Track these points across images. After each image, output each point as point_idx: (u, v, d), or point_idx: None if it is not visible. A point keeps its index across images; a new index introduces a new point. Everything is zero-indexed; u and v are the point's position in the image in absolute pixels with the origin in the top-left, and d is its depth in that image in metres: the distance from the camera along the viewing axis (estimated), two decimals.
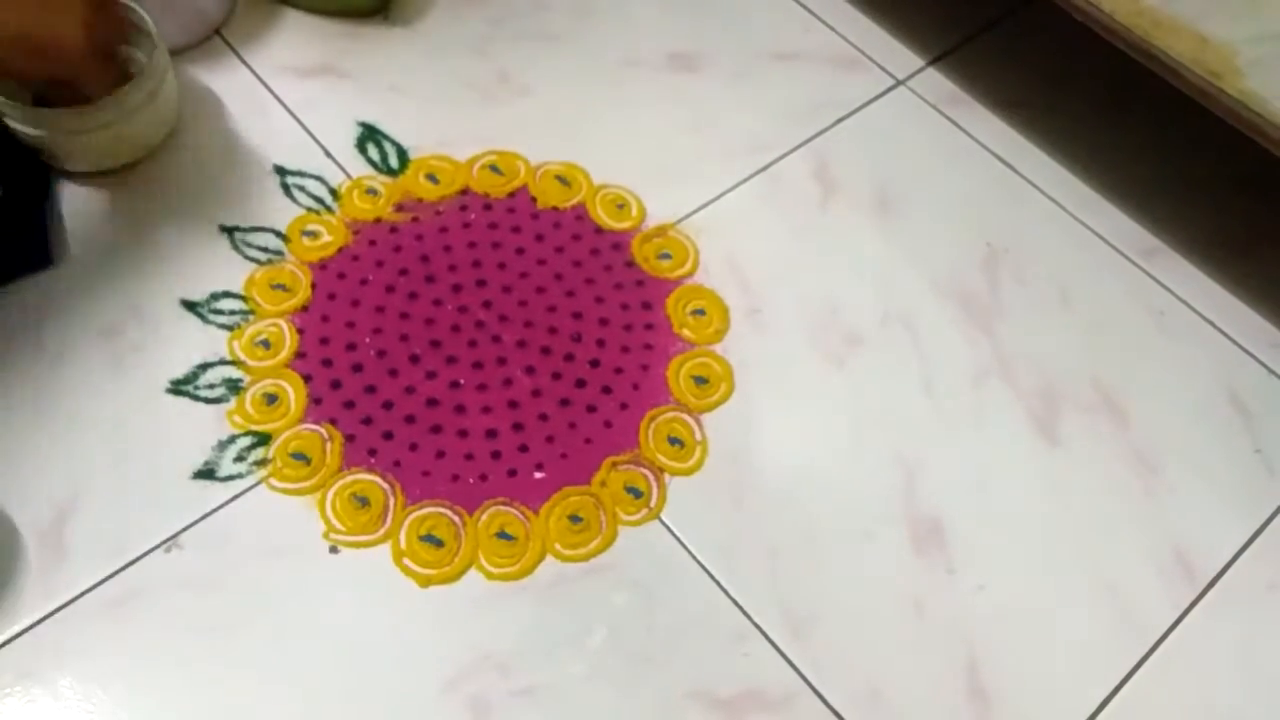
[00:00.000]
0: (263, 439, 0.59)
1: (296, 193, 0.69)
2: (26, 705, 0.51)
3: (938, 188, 0.76)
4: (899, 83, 0.81)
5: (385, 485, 0.59)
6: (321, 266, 0.66)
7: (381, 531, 0.57)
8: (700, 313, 0.68)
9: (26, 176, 0.65)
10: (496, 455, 0.61)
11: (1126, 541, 0.62)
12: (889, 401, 0.66)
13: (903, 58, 0.83)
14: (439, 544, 0.57)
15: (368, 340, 0.64)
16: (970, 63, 0.83)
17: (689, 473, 0.62)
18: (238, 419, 0.60)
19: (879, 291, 0.70)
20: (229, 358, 0.62)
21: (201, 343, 0.62)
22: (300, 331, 0.63)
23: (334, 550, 0.57)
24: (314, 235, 0.67)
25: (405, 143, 0.72)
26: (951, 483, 0.63)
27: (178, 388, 0.60)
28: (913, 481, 0.63)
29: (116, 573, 0.54)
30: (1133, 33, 0.62)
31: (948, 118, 0.80)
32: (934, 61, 0.83)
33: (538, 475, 0.60)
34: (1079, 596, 0.60)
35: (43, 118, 0.63)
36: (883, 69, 0.82)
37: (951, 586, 0.60)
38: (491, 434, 0.61)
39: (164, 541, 0.56)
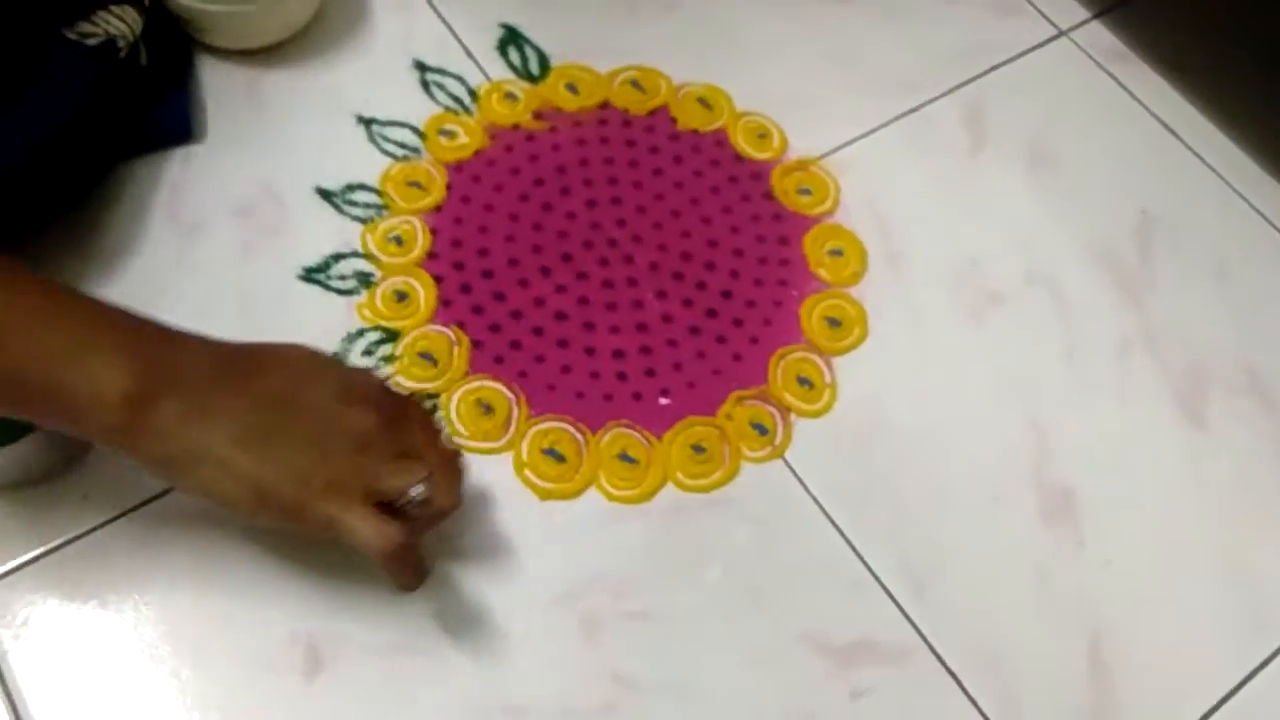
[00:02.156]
0: (391, 335, 0.59)
1: (435, 90, 0.68)
2: (140, 578, 0.51)
3: (1093, 147, 0.72)
4: (1061, 33, 0.77)
5: (510, 395, 0.58)
6: (457, 168, 0.65)
7: (504, 440, 0.57)
8: (838, 253, 0.66)
9: (171, 48, 0.64)
10: (622, 377, 0.59)
11: (1265, 535, 0.60)
12: (1027, 364, 0.63)
13: (1067, 7, 0.78)
14: (561, 459, 0.56)
15: (499, 247, 0.63)
16: (1139, 18, 0.79)
17: (816, 414, 0.60)
18: (367, 313, 0.59)
19: (1024, 249, 0.67)
20: (361, 250, 0.61)
21: (335, 233, 0.61)
22: (433, 232, 0.62)
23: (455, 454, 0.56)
24: (451, 135, 0.66)
25: (547, 49, 0.70)
26: (1087, 454, 0.60)
27: (310, 275, 0.60)
28: (1046, 449, 0.60)
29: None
30: None
31: (1110, 74, 0.76)
32: (1101, 14, 0.78)
33: (663, 401, 0.59)
34: (1210, 585, 0.58)
35: None
36: (1045, 17, 0.78)
37: (1079, 559, 0.57)
38: (618, 355, 0.60)
39: None
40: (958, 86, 0.73)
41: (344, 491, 0.44)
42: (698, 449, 0.58)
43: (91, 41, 0.57)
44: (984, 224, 0.68)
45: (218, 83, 0.65)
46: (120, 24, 0.59)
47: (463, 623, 0.52)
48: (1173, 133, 0.74)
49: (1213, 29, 0.79)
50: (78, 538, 0.51)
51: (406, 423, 0.48)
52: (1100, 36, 0.77)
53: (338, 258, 0.60)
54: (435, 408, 0.56)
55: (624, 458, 0.57)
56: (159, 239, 0.60)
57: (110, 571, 0.50)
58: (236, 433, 0.43)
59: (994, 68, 0.75)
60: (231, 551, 0.51)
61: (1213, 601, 0.57)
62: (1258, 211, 0.71)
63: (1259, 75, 0.77)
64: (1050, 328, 0.65)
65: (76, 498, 0.52)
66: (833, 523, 0.57)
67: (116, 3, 0.59)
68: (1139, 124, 0.74)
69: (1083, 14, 0.78)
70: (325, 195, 0.63)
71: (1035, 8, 0.78)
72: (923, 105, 0.72)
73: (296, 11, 0.66)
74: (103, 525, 0.51)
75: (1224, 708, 0.55)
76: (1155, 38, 0.77)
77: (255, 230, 0.61)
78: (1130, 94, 0.75)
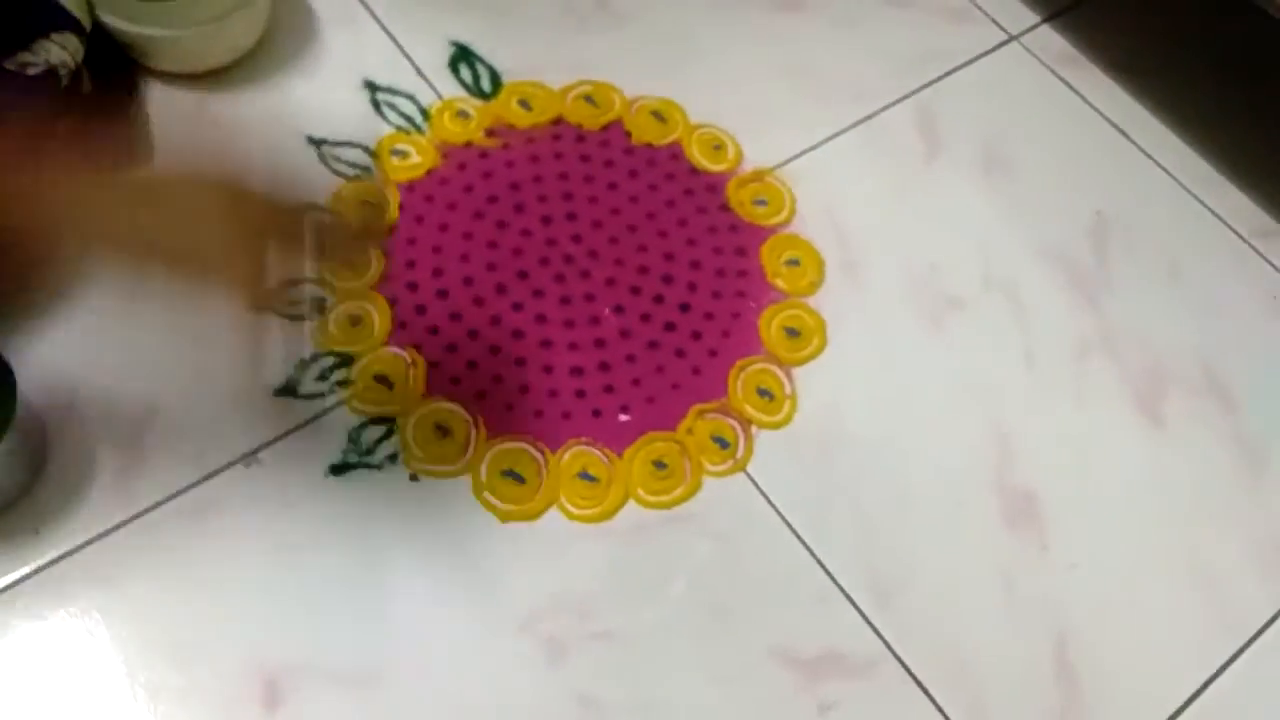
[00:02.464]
0: (346, 360, 0.58)
1: (386, 110, 0.67)
2: (97, 612, 0.50)
3: (1046, 150, 0.73)
4: (1012, 38, 0.78)
5: (468, 416, 0.57)
6: (409, 188, 0.64)
7: (463, 463, 0.56)
8: (795, 263, 0.65)
9: (116, 74, 0.64)
10: (581, 394, 0.59)
11: (1227, 531, 0.60)
12: (986, 368, 0.63)
13: (1017, 12, 0.79)
14: (520, 480, 0.56)
15: (454, 266, 0.62)
16: (1087, 21, 0.79)
17: (777, 426, 0.60)
18: (321, 338, 0.58)
19: (981, 253, 0.68)
20: (314, 276, 0.60)
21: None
22: (386, 254, 0.62)
23: (414, 478, 0.55)
24: (403, 155, 0.65)
25: (499, 66, 0.70)
26: (1048, 457, 0.61)
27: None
28: (1008, 453, 0.60)
29: (194, 485, 0.53)
30: None
31: (1060, 78, 0.76)
32: (1050, 18, 0.79)
33: (623, 418, 0.59)
34: (1174, 584, 0.58)
35: (136, 10, 0.61)
36: (995, 22, 0.78)
37: (1043, 563, 0.57)
38: (577, 372, 0.60)
39: (243, 456, 0.54)
40: (910, 93, 0.74)
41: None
42: (659, 465, 0.57)
43: (32, 71, 0.56)
44: (940, 230, 0.68)
45: (164, 107, 0.65)
46: (61, 52, 0.58)
47: (425, 651, 0.51)
48: (1124, 134, 0.74)
49: (1162, 31, 0.80)
50: (34, 573, 0.50)
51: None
52: (1050, 40, 0.78)
53: (291, 283, 0.60)
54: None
55: (584, 476, 0.56)
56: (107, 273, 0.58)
57: (67, 606, 0.50)
58: None
59: (946, 74, 0.75)
60: (190, 583, 0.51)
61: (1176, 601, 0.58)
62: (1210, 210, 0.72)
63: (1209, 76, 0.78)
64: (1009, 332, 0.65)
65: (28, 533, 0.51)
66: (796, 535, 0.56)
67: (57, 30, 0.58)
68: (1091, 126, 0.74)
69: (1032, 18, 0.79)
70: None
71: (985, 13, 0.78)
72: (876, 113, 0.72)
73: (242, 34, 0.65)
74: (58, 560, 0.50)
75: (1191, 708, 0.55)
76: (1105, 41, 0.78)
77: None
78: (1081, 97, 0.75)
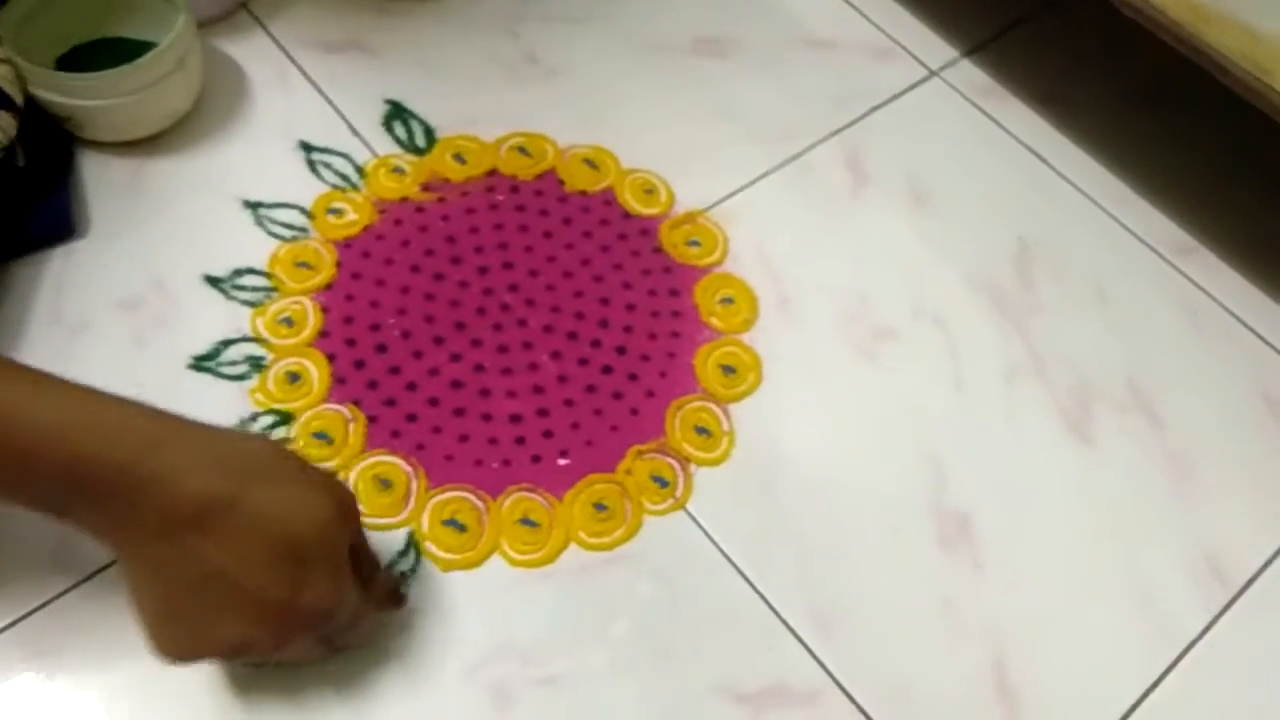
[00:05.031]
0: (285, 418, 0.58)
1: (322, 169, 0.68)
2: (43, 681, 0.50)
3: (970, 181, 0.75)
4: (933, 73, 0.80)
5: (408, 468, 0.58)
6: (346, 245, 0.65)
7: (404, 514, 0.56)
8: (729, 301, 0.67)
9: (50, 145, 0.64)
10: (521, 441, 0.60)
11: (1158, 544, 0.61)
12: (919, 397, 0.65)
13: (937, 48, 0.82)
14: (462, 529, 0.56)
15: (392, 321, 0.63)
16: (1006, 55, 0.82)
17: (715, 463, 0.61)
18: (260, 397, 0.59)
19: (910, 285, 0.69)
20: (252, 335, 0.61)
21: (224, 319, 0.61)
22: (324, 310, 0.62)
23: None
24: (339, 213, 0.66)
25: (432, 121, 0.71)
26: (981, 480, 0.62)
27: (200, 364, 0.59)
28: (942, 478, 0.62)
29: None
30: (1182, 28, 0.61)
31: (982, 110, 0.79)
32: (969, 53, 0.82)
33: (562, 462, 0.59)
34: (1109, 599, 0.59)
35: (68, 84, 0.62)
36: (916, 59, 0.81)
37: (980, 585, 0.59)
38: (516, 419, 0.60)
39: None
40: (837, 131, 0.76)
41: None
42: (599, 507, 0.58)
43: None
44: (870, 263, 0.70)
45: (99, 176, 0.65)
46: None
47: (368, 704, 0.51)
48: (1045, 161, 0.77)
49: (1078, 62, 0.83)
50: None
51: (353, 578, 0.47)
52: (971, 74, 0.80)
53: (227, 344, 0.60)
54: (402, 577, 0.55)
55: (525, 522, 0.57)
56: (43, 341, 0.59)
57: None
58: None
59: (870, 110, 0.77)
60: (127, 649, 0.51)
61: (1112, 616, 0.59)
62: (1131, 232, 0.74)
63: (1124, 103, 0.81)
64: (939, 360, 0.66)
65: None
66: (737, 570, 0.57)
67: None
68: (1012, 155, 0.77)
69: (952, 53, 0.81)
70: (213, 282, 0.62)
71: (906, 50, 0.81)
72: (804, 151, 0.74)
73: (175, 100, 0.66)
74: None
75: (1130, 718, 0.56)
76: (1024, 73, 0.81)
77: (143, 323, 0.61)
78: (1002, 127, 0.78)
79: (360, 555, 0.48)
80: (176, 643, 0.44)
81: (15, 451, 0.39)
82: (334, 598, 0.45)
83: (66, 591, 0.52)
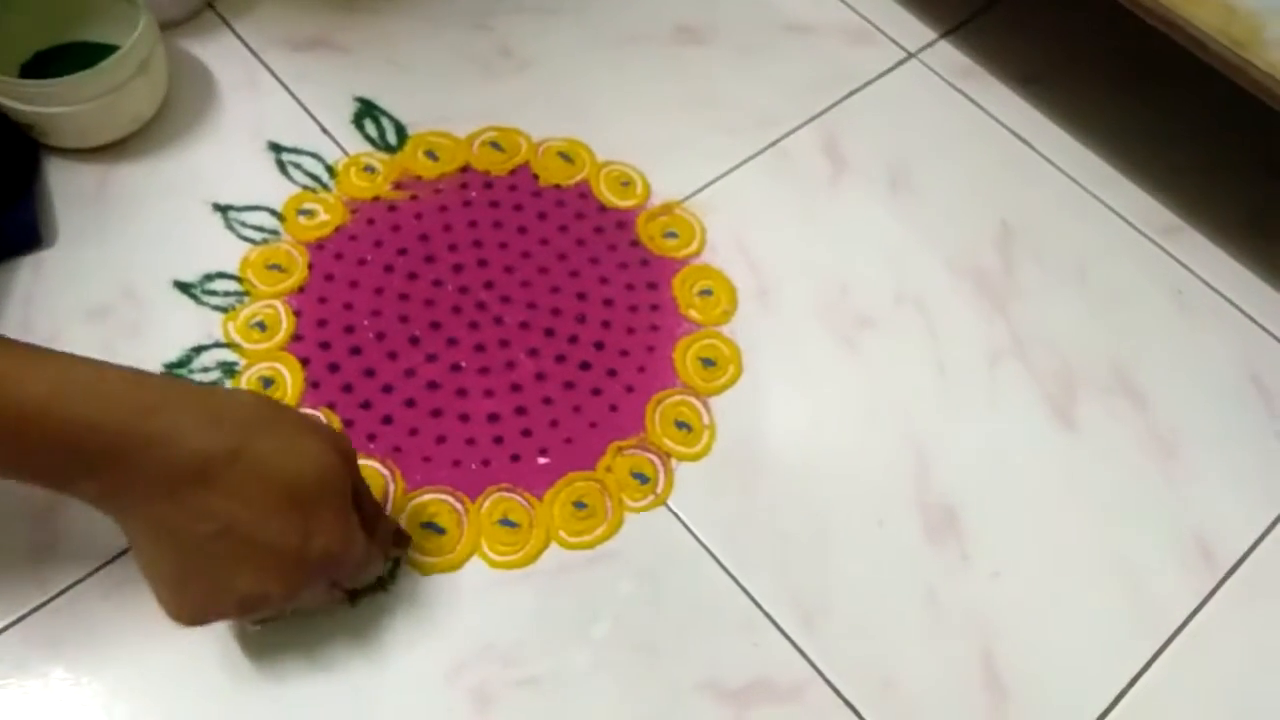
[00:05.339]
0: None
1: (292, 170, 0.67)
2: (21, 695, 0.49)
3: (951, 164, 0.74)
4: (911, 55, 0.79)
5: (385, 471, 0.57)
6: (318, 246, 0.65)
7: None
8: (707, 293, 0.66)
9: (14, 154, 0.63)
10: (499, 440, 0.59)
11: (1145, 527, 0.61)
12: (902, 384, 0.64)
13: (915, 30, 0.81)
14: (441, 531, 0.56)
15: (366, 322, 0.62)
16: (984, 35, 0.81)
17: (697, 458, 0.60)
18: None
19: (891, 271, 0.68)
20: (223, 340, 0.60)
21: (195, 325, 0.60)
22: (297, 313, 0.62)
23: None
24: (310, 214, 0.66)
25: (404, 119, 0.70)
26: (965, 467, 0.61)
27: (171, 371, 0.59)
28: (926, 466, 0.61)
29: (109, 562, 0.53)
30: (1159, 4, 0.60)
31: (961, 92, 0.78)
32: (947, 34, 0.81)
33: (541, 460, 0.59)
34: (1096, 583, 0.59)
35: (29, 91, 0.61)
36: (894, 42, 0.80)
37: (966, 573, 0.58)
38: (494, 418, 0.60)
39: None
40: (814, 117, 0.75)
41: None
42: (579, 505, 0.58)
43: None
44: (850, 250, 0.69)
45: (65, 183, 0.65)
46: None
47: (349, 709, 0.51)
48: (1025, 142, 0.76)
49: (1056, 41, 0.82)
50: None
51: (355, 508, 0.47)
52: (948, 56, 0.79)
53: (199, 350, 0.60)
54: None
55: (505, 523, 0.56)
56: None
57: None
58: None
59: (848, 95, 0.76)
60: (111, 662, 0.50)
61: (1099, 601, 0.58)
62: (1114, 211, 0.73)
63: (1104, 81, 0.80)
64: (921, 346, 0.66)
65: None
66: (720, 564, 0.57)
67: None
68: (992, 136, 0.76)
69: (930, 35, 0.80)
70: (183, 288, 0.62)
71: (883, 33, 0.80)
72: (781, 138, 0.73)
73: (140, 104, 0.65)
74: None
75: (1119, 705, 0.55)
76: (1002, 53, 0.80)
77: (113, 331, 0.60)
78: (981, 108, 0.77)
79: (362, 497, 0.48)
80: (192, 604, 0.44)
81: (12, 422, 0.38)
82: (344, 540, 0.45)
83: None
